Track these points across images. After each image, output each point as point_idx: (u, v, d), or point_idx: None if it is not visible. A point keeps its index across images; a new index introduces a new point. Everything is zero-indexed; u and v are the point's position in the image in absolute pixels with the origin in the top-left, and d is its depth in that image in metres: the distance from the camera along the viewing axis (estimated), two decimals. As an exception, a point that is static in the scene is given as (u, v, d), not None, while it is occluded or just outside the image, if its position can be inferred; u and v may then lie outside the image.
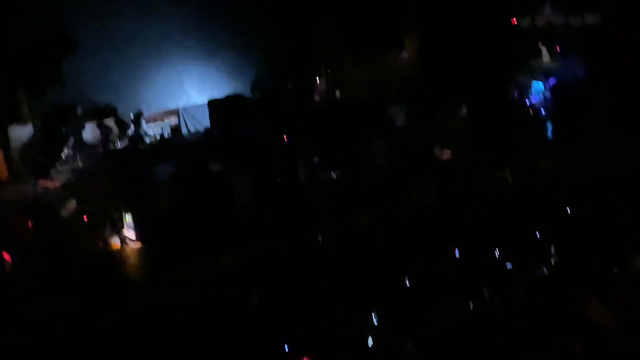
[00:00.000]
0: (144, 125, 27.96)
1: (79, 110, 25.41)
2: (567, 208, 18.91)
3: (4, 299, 16.72)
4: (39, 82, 24.81)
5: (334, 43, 32.68)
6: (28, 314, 15.87)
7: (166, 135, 28.14)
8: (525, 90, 29.90)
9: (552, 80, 28.63)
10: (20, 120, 25.42)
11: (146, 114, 28.17)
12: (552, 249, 16.18)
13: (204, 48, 29.04)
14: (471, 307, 14.26)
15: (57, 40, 24.92)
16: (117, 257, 19.38)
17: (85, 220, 20.60)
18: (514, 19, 31.04)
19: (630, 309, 13.15)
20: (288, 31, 30.99)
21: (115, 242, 20.03)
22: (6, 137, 25.38)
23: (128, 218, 20.47)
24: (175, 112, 29.57)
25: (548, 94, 28.25)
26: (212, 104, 27.59)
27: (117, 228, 20.34)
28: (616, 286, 13.88)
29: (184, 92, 29.19)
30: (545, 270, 14.94)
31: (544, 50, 31.59)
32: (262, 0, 29.91)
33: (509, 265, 15.61)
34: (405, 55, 34.22)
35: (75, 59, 25.20)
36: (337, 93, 31.12)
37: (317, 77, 32.34)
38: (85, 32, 25.50)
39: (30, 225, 20.05)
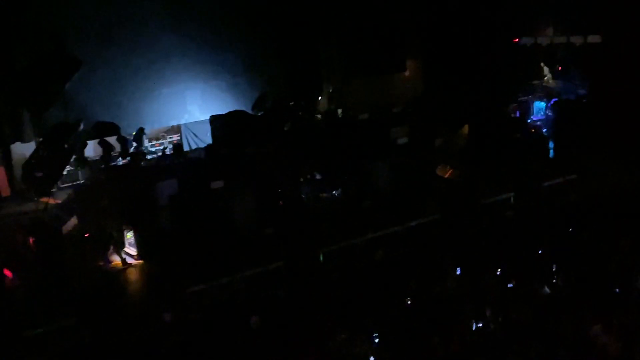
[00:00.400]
0: (145, 142, 28.03)
1: (81, 128, 25.45)
2: (570, 229, 18.91)
3: (3, 317, 16.67)
4: (41, 100, 24.86)
5: (337, 63, 32.81)
6: (28, 332, 15.81)
7: (168, 152, 28.20)
8: (527, 110, 29.98)
9: (554, 100, 28.72)
10: (22, 137, 25.50)
11: (148, 130, 28.26)
12: (555, 270, 16.19)
13: (205, 67, 29.15)
14: (473, 328, 14.23)
15: (60, 60, 25.00)
16: (117, 275, 19.31)
17: (87, 237, 20.57)
18: (516, 39, 31.20)
19: (633, 333, 13.12)
20: (290, 51, 31.12)
21: (116, 259, 19.98)
22: (9, 154, 25.45)
23: (129, 235, 20.45)
24: (177, 129, 29.70)
25: (550, 113, 28.31)
26: (214, 121, 27.61)
27: (118, 246, 20.32)
28: (619, 310, 13.84)
29: (186, 110, 29.27)
30: (548, 292, 14.89)
31: (546, 70, 31.73)
32: (264, 20, 30.00)
33: (511, 287, 15.58)
34: (407, 75, 34.36)
35: (78, 78, 25.26)
36: (339, 112, 31.20)
37: (320, 97, 32.45)
38: (88, 52, 25.61)
39: (31, 242, 20.03)
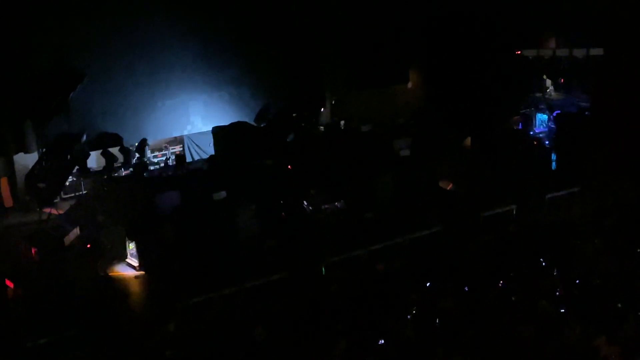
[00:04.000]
0: (148, 153, 28.10)
1: (84, 139, 25.54)
2: (572, 242, 18.86)
3: (5, 329, 16.64)
4: (45, 111, 24.95)
5: (339, 75, 32.89)
6: (31, 343, 15.79)
7: (170, 163, 28.27)
8: (529, 122, 30.01)
9: (556, 112, 28.74)
10: (26, 148, 25.55)
11: (151, 141, 28.32)
12: (557, 283, 16.15)
13: (208, 79, 29.27)
14: (476, 341, 14.18)
15: (64, 72, 25.11)
16: (119, 286, 19.30)
17: (89, 247, 20.58)
18: (519, 51, 31.27)
19: (636, 345, 13.08)
20: (293, 63, 31.22)
21: (119, 270, 19.98)
22: (12, 165, 25.50)
23: (131, 246, 20.46)
24: (180, 140, 29.78)
25: (552, 125, 28.33)
26: (217, 132, 27.69)
27: (121, 256, 20.33)
28: (623, 323, 13.80)
29: (189, 121, 29.38)
30: (551, 306, 14.83)
31: (549, 83, 31.77)
32: (267, 33, 30.12)
33: (513, 300, 15.54)
34: (409, 87, 34.45)
35: (81, 90, 25.37)
36: (342, 124, 31.27)
37: (322, 108, 32.53)
38: (91, 64, 25.74)
39: (33, 252, 20.04)
